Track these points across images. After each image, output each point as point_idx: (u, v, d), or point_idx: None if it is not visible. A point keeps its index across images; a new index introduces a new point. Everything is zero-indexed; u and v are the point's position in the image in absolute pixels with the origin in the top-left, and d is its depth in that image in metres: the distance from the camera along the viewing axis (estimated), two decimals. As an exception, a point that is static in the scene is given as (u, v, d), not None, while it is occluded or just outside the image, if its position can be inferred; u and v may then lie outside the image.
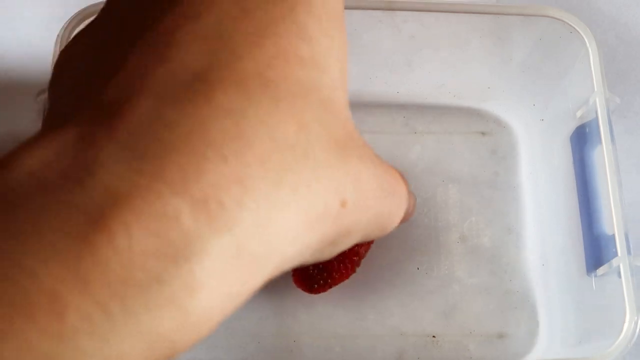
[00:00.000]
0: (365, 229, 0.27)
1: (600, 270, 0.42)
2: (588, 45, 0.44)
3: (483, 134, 0.52)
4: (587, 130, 0.44)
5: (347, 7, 0.45)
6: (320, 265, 0.46)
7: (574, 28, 0.44)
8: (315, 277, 0.46)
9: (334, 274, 0.46)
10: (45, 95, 0.42)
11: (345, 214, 0.24)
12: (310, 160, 0.22)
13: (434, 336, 0.47)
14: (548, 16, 0.44)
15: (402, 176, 0.32)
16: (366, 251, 0.47)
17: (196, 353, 0.46)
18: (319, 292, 0.46)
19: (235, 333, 0.46)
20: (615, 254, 0.41)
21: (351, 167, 0.24)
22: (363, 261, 0.48)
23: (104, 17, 0.25)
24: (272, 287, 0.47)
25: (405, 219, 0.31)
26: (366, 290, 0.48)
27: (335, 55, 0.24)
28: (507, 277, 0.48)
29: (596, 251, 0.43)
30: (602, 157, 0.42)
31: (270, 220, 0.21)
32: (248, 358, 0.46)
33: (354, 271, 0.47)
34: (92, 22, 0.26)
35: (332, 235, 0.24)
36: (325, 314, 0.47)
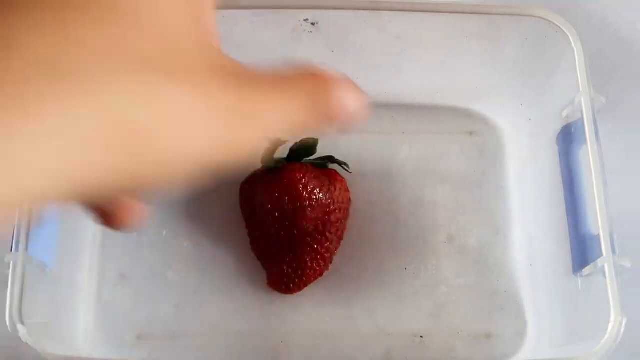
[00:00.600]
0: (200, 157, 0.23)
1: (586, 270, 0.42)
2: (573, 44, 0.44)
3: (471, 133, 0.52)
4: (572, 130, 0.44)
5: (332, 7, 0.45)
6: (294, 264, 0.46)
7: (559, 27, 0.44)
8: (290, 275, 0.46)
9: (308, 271, 0.46)
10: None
11: (141, 140, 0.20)
12: (74, 81, 0.19)
13: (421, 336, 0.47)
14: (533, 16, 0.44)
15: (327, 76, 0.25)
16: (336, 248, 0.47)
17: (184, 354, 0.46)
18: (295, 292, 0.46)
19: (221, 333, 0.46)
20: (601, 254, 0.41)
21: (157, 88, 0.20)
22: (350, 261, 0.48)
23: None
24: (257, 288, 0.47)
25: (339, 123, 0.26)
26: (353, 290, 0.48)
27: None
28: (494, 277, 0.48)
29: (582, 251, 0.43)
30: (587, 156, 0.42)
31: (9, 153, 0.18)
32: (234, 359, 0.46)
33: (327, 268, 0.47)
34: None
35: (126, 162, 0.21)
36: (313, 314, 0.47)
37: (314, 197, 0.45)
